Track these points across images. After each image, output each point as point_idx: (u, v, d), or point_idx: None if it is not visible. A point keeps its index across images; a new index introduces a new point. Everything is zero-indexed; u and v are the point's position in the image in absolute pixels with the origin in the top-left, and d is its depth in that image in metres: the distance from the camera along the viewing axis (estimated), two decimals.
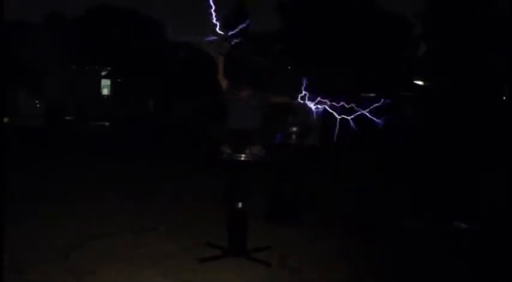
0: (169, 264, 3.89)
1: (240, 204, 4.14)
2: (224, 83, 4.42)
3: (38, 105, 18.14)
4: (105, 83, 26.98)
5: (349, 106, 4.25)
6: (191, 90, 23.98)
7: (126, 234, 4.64)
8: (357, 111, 4.24)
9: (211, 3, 4.09)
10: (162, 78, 25.40)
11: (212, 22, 4.17)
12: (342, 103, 4.25)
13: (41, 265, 3.73)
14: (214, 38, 4.26)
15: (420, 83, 20.79)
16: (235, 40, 4.29)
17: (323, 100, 4.28)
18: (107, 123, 20.09)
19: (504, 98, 15.58)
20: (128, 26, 27.31)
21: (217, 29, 4.19)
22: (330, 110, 4.28)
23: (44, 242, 4.29)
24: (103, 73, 26.66)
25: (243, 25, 4.37)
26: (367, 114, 4.16)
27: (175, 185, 7.41)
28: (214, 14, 4.15)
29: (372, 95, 20.07)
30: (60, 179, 7.44)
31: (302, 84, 4.34)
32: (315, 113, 4.35)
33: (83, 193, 6.45)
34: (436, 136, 11.30)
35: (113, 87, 27.03)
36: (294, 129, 5.23)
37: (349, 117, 4.21)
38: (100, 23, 27.15)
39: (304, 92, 4.35)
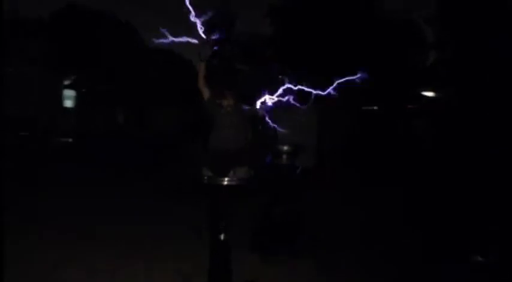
0: None
1: (222, 236, 4.09)
2: (206, 93, 4.35)
3: None
4: (69, 93, 26.81)
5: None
6: (168, 100, 24.01)
7: (97, 274, 4.65)
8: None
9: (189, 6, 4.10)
10: (135, 88, 25.36)
11: (193, 24, 4.17)
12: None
13: None
14: (194, 41, 4.25)
15: (430, 94, 20.95)
16: (218, 45, 4.28)
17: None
18: (70, 140, 19.95)
19: None
20: (97, 29, 27.30)
21: (199, 31, 4.19)
22: None
23: None
24: (66, 82, 26.51)
25: (228, 29, 4.39)
26: None
27: (147, 213, 7.35)
28: (195, 15, 4.15)
29: (375, 108, 20.20)
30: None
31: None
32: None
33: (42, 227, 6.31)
34: (452, 157, 11.36)
35: (77, 98, 26.89)
36: (285, 148, 5.22)
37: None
38: (65, 26, 27.11)
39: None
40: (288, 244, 5.38)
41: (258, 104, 4.44)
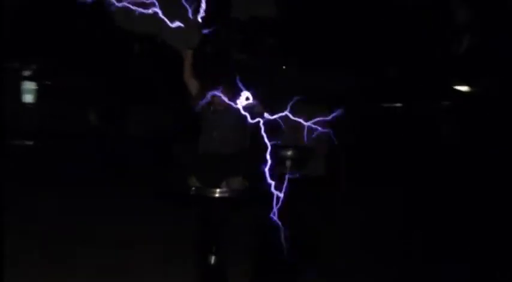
0: None
1: (213, 259, 4.08)
2: (194, 87, 4.33)
3: None
4: (29, 86, 26.73)
5: None
6: (150, 94, 23.98)
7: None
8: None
9: None
10: (110, 80, 25.32)
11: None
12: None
13: None
14: (180, 25, 4.22)
15: (464, 88, 20.98)
16: (209, 29, 4.26)
17: None
18: (31, 143, 19.91)
19: None
20: (65, 10, 27.21)
21: (188, 14, 4.17)
22: None
23: None
24: (26, 73, 26.44)
25: (222, 7, 4.36)
26: None
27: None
28: None
29: (398, 105, 20.22)
30: None
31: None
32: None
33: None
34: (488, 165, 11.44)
35: (39, 92, 26.81)
36: (289, 153, 5.18)
37: None
38: (26, 7, 27.01)
39: None
40: (293, 272, 5.41)
41: (257, 101, 4.42)
